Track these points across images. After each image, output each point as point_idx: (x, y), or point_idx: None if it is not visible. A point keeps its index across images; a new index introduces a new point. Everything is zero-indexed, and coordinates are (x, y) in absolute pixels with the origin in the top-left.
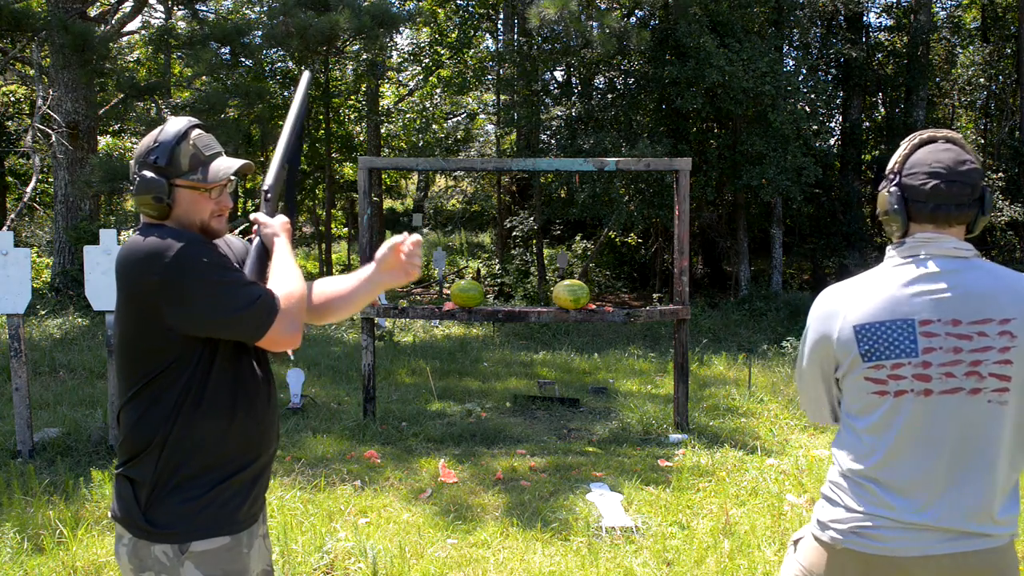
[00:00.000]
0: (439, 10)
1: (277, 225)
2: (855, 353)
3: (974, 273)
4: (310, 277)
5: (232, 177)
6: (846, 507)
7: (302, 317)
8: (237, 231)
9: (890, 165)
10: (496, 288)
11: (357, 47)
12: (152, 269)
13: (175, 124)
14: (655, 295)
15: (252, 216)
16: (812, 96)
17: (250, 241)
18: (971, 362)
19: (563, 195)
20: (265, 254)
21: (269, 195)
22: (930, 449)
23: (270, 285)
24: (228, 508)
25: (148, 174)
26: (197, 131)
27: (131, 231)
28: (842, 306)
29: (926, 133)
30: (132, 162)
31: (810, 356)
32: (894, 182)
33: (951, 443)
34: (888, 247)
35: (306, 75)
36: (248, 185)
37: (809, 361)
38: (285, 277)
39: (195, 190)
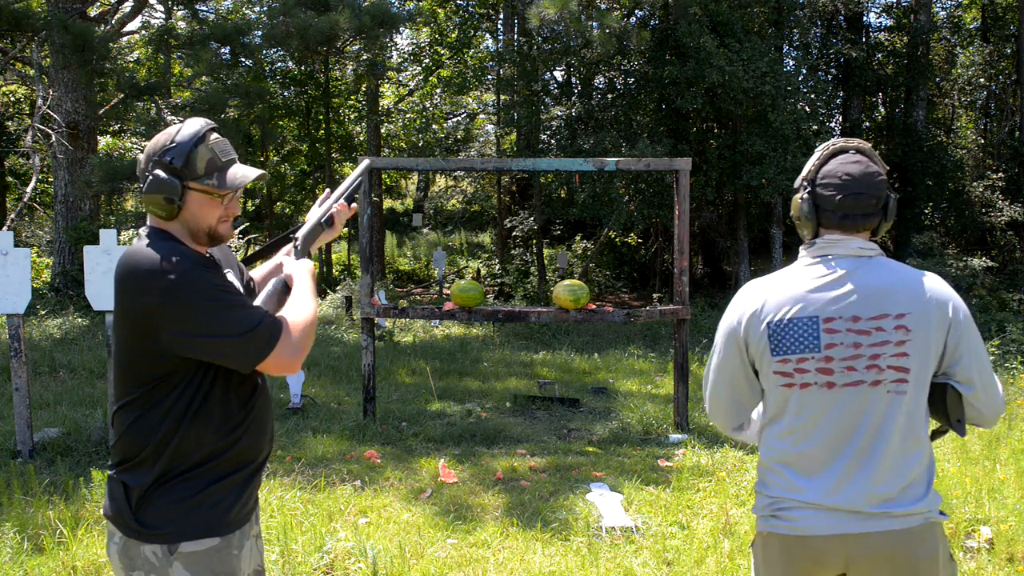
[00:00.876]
0: (439, 10)
1: (303, 266)
2: (766, 348)
3: (875, 271)
4: None
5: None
6: (766, 495)
7: (306, 344)
8: (237, 231)
9: (803, 173)
10: (496, 288)
11: (357, 47)
12: (152, 289)
13: (193, 125)
14: (655, 295)
15: (280, 255)
16: (812, 96)
17: (244, 263)
18: (871, 356)
19: (563, 195)
20: (284, 291)
21: (299, 244)
22: (836, 437)
23: (283, 311)
24: (219, 509)
25: (161, 174)
26: (215, 135)
27: (131, 231)
28: (756, 302)
29: (839, 143)
30: (142, 159)
31: (725, 349)
32: (807, 190)
33: (855, 431)
34: (801, 247)
35: (364, 163)
36: (248, 185)
37: (725, 354)
38: (299, 304)
39: (208, 195)
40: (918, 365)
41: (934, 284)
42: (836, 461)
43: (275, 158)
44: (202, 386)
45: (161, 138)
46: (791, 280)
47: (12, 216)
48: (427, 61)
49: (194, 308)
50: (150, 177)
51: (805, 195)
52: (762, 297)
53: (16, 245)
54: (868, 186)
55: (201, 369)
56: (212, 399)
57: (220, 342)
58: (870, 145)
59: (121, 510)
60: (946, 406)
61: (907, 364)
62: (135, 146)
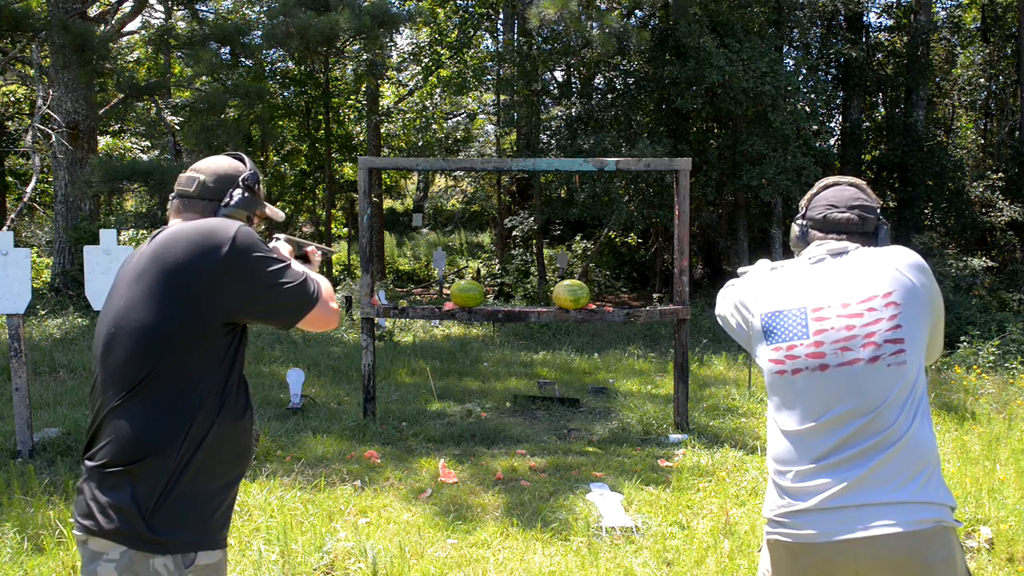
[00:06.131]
0: (439, 10)
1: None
2: (760, 335)
3: (856, 261)
4: None
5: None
6: (771, 498)
7: (334, 303)
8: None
9: (800, 204)
10: (496, 288)
11: (357, 47)
12: (214, 243)
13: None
14: (655, 295)
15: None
16: (812, 96)
17: None
18: (866, 335)
19: (563, 195)
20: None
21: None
22: (835, 418)
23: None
24: (223, 521)
25: (248, 195)
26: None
27: (131, 230)
28: (758, 294)
29: (832, 178)
30: (215, 177)
31: (731, 314)
32: (801, 215)
33: (854, 412)
34: None
35: None
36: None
37: (729, 313)
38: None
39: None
40: (912, 333)
41: (906, 256)
42: (841, 450)
43: (275, 158)
44: (223, 374)
45: (234, 164)
46: (785, 276)
47: (12, 216)
48: (427, 61)
49: (257, 258)
50: (238, 194)
51: (799, 220)
52: (763, 289)
53: (16, 245)
54: (853, 207)
55: (228, 357)
56: (234, 391)
57: (284, 290)
58: (864, 182)
59: (128, 519)
60: None
61: (902, 335)
62: (135, 146)
